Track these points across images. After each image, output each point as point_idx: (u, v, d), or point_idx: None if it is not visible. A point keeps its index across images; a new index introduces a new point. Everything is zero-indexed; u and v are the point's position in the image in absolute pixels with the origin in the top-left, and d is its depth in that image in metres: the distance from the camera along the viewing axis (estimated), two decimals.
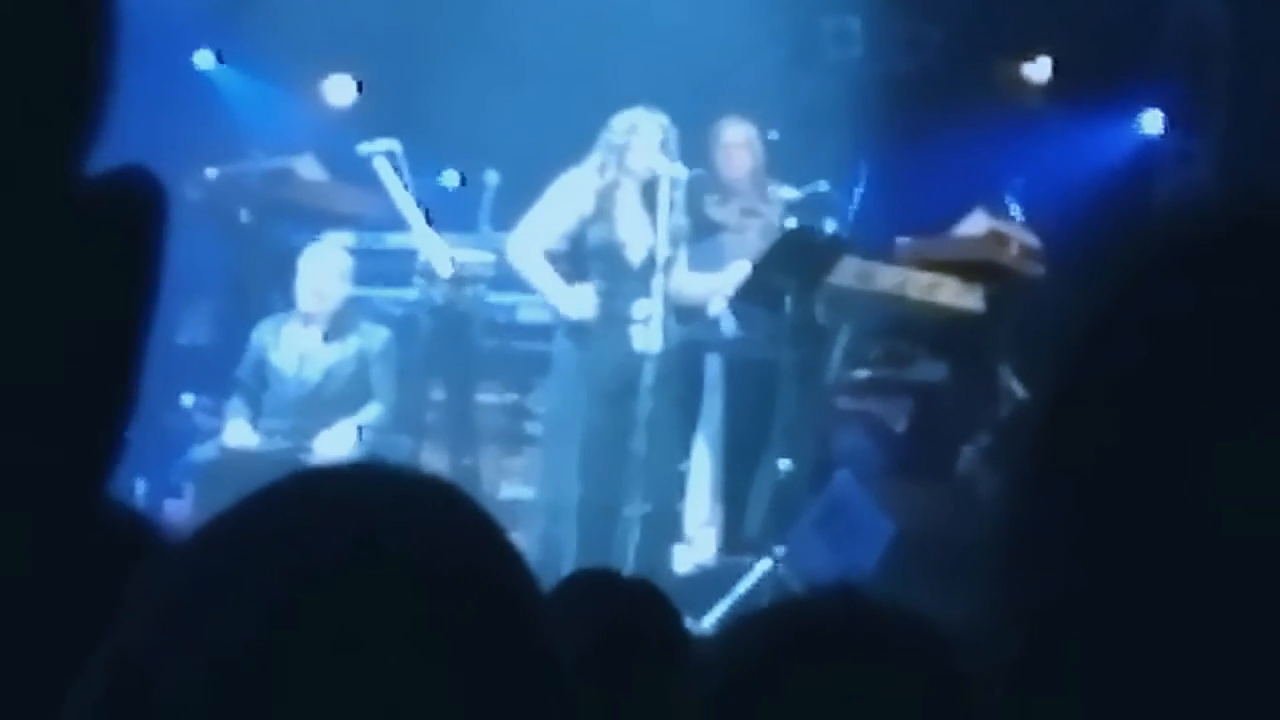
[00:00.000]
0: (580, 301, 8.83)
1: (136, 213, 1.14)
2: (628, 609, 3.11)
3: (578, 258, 8.88)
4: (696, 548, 9.41)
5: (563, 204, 8.90)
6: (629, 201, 8.88)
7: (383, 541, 1.08)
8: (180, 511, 8.95)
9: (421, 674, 1.05)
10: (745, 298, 9.21)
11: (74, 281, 1.11)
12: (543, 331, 9.38)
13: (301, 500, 1.11)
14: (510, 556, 1.13)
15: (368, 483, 1.13)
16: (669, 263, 8.82)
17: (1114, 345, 0.97)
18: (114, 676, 1.06)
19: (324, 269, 9.40)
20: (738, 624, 1.92)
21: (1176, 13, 11.46)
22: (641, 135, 8.80)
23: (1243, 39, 11.09)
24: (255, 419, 9.35)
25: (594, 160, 8.89)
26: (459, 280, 9.40)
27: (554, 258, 8.95)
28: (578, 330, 8.88)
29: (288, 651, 1.04)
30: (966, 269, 9.76)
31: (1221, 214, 1.00)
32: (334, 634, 1.04)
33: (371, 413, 9.38)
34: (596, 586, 3.22)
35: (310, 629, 1.04)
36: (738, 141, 9.85)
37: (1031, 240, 10.27)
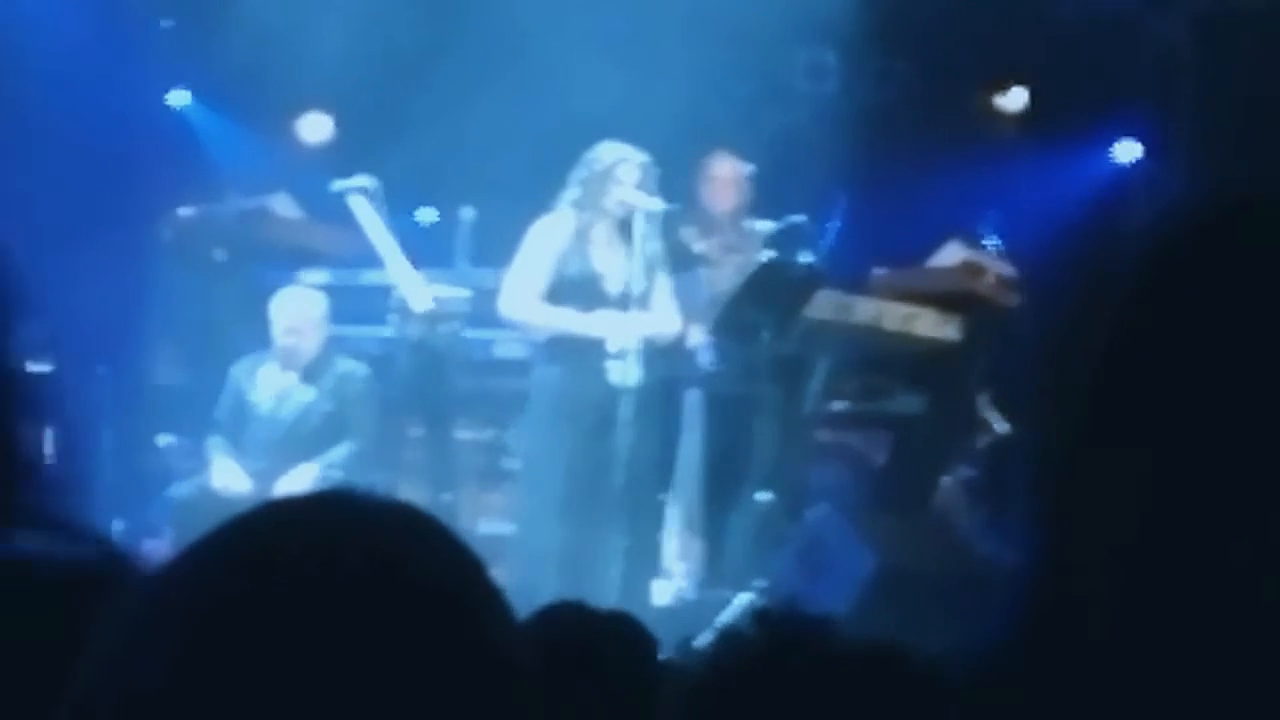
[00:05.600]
0: (615, 324, 8.78)
1: None
2: (601, 641, 3.10)
3: (555, 292, 8.86)
4: (676, 581, 9.40)
5: (542, 247, 8.87)
6: (604, 236, 8.87)
7: (347, 558, 1.10)
8: (159, 551, 8.92)
9: (383, 687, 1.07)
10: (722, 331, 9.21)
11: None
12: (520, 367, 9.37)
13: (269, 524, 1.13)
14: (476, 574, 1.15)
15: (335, 507, 1.15)
16: (645, 296, 8.82)
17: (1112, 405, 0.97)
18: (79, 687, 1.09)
19: (299, 309, 9.38)
20: (714, 651, 1.92)
21: (1144, 41, 11.51)
22: (617, 169, 8.79)
23: (1208, 66, 11.15)
24: (235, 458, 9.33)
25: (569, 195, 8.89)
26: (435, 317, 9.37)
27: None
28: (554, 365, 8.87)
29: (248, 663, 1.06)
30: (943, 300, 9.77)
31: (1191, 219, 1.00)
32: (295, 646, 1.06)
33: (341, 452, 9.35)
34: (570, 619, 3.21)
35: (271, 642, 1.07)
36: (726, 177, 9.79)
37: (1007, 270, 10.30)
